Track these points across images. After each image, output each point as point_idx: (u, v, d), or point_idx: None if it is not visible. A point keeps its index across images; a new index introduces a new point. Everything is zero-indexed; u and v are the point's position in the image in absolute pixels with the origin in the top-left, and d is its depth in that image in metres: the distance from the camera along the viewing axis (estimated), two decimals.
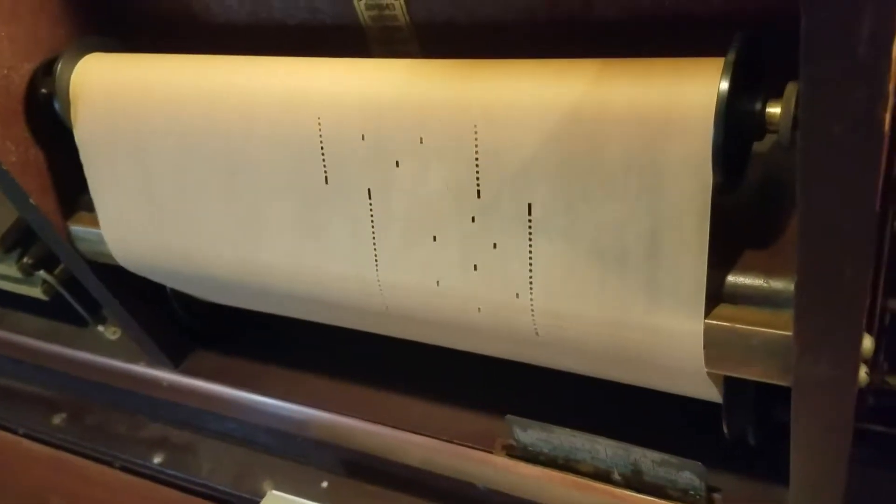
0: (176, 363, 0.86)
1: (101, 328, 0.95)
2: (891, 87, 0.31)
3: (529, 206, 0.50)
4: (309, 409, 0.80)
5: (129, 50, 0.68)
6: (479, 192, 0.51)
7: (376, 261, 0.57)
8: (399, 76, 0.53)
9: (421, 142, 0.52)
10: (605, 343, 0.52)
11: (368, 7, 0.59)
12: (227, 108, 0.59)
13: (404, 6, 0.57)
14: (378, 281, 0.58)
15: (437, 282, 0.56)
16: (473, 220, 0.52)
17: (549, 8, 0.53)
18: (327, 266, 0.60)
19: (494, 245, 0.52)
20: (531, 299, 0.52)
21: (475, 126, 0.50)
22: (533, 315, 0.53)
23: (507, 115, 0.49)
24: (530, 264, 0.52)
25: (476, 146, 0.50)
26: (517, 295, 0.53)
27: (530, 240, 0.51)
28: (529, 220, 0.50)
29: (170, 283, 0.76)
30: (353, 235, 0.58)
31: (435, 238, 0.54)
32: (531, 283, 0.52)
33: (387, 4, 0.58)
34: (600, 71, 0.47)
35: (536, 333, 0.54)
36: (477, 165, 0.51)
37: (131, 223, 0.68)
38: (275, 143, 0.57)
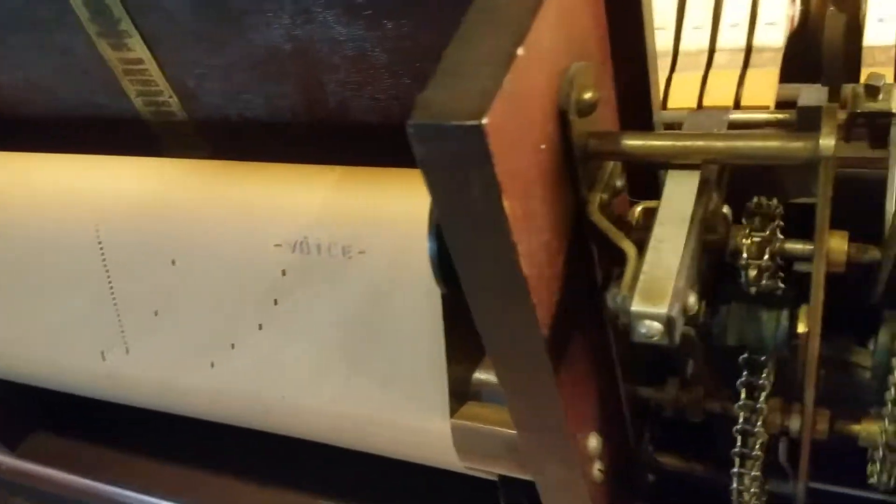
0: (12, 446, 0.84)
1: None
2: (516, 237, 0.33)
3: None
4: (149, 498, 0.79)
5: None
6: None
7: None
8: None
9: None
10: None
11: (146, 103, 0.59)
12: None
13: (179, 103, 0.57)
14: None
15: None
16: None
17: (309, 110, 0.54)
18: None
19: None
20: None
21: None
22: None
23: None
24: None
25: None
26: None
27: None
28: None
29: None
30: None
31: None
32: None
33: (163, 101, 0.58)
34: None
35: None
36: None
37: None
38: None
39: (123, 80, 0.57)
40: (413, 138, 0.30)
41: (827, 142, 0.31)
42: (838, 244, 0.37)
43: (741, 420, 0.43)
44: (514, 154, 0.32)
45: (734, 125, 0.45)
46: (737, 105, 0.54)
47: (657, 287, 0.33)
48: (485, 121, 0.29)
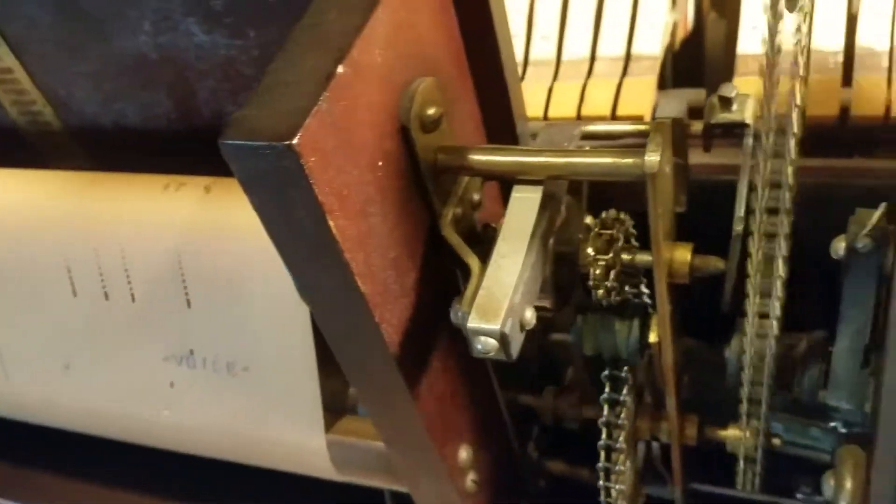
0: None
1: None
2: (350, 256, 0.32)
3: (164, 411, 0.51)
4: None
5: None
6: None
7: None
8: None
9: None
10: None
11: (21, 113, 0.57)
12: None
13: (53, 112, 0.56)
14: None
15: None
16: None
17: (184, 119, 0.52)
18: None
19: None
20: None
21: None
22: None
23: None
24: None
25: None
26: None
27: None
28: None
29: None
30: None
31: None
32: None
33: (37, 111, 0.56)
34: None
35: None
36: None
37: None
38: None
39: None
40: (228, 158, 0.30)
41: (651, 159, 0.32)
42: (682, 255, 0.38)
43: (604, 436, 0.43)
44: (341, 173, 0.31)
45: (600, 136, 0.45)
46: (614, 114, 0.55)
47: (492, 303, 0.33)
48: (296, 140, 0.28)
